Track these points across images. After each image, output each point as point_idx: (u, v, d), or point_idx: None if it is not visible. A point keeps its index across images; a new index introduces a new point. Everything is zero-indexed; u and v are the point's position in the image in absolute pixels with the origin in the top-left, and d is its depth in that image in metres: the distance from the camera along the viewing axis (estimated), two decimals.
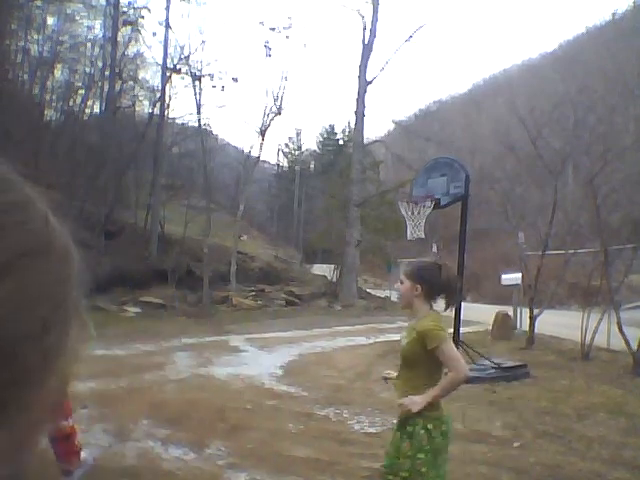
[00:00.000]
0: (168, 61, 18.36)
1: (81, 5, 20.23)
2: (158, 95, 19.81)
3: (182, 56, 17.09)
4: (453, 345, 2.20)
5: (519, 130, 11.89)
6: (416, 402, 2.08)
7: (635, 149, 12.42)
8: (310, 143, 60.03)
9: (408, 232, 6.98)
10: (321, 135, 56.67)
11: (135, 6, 18.84)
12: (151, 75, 37.92)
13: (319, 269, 30.10)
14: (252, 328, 11.37)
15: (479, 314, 13.88)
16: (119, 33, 19.54)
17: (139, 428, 4.12)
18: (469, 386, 6.01)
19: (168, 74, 18.49)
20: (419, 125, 46.43)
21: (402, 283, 2.23)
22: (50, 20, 21.33)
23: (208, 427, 4.24)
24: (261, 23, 20.21)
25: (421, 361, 2.15)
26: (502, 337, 10.14)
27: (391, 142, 31.22)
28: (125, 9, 19.03)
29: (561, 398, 5.46)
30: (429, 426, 2.10)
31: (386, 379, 2.38)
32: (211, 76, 16.79)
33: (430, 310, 2.20)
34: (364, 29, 20.01)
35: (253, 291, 18.24)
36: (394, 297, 21.78)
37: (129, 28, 19.28)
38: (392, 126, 47.15)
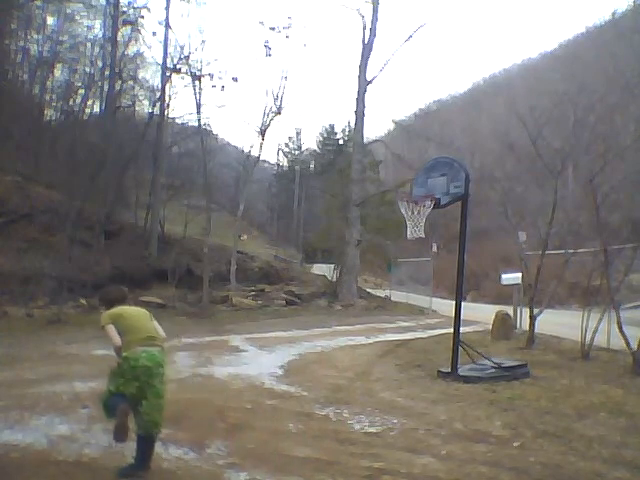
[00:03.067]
0: (168, 61, 18.39)
1: (81, 5, 20.27)
2: (158, 95, 19.84)
3: (182, 56, 17.10)
4: (110, 327, 3.30)
5: (519, 130, 11.89)
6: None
7: (635, 149, 12.41)
8: (310, 143, 60.13)
9: (408, 232, 6.97)
10: (321, 135, 56.72)
11: (135, 6, 18.90)
12: (151, 75, 38.01)
13: (319, 269, 30.13)
14: (252, 328, 11.37)
15: (479, 314, 13.89)
16: (119, 33, 19.56)
17: None
18: (469, 386, 6.02)
19: (168, 74, 18.50)
20: (419, 125, 46.42)
21: None
22: (50, 20, 21.41)
23: (208, 427, 4.24)
24: (261, 23, 20.28)
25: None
26: (502, 337, 10.14)
27: (391, 142, 31.19)
28: (125, 9, 19.07)
29: (561, 398, 5.46)
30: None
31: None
32: (211, 76, 16.78)
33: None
34: (364, 29, 19.99)
35: (253, 291, 18.24)
36: (394, 297, 21.80)
37: (129, 28, 19.30)
38: (392, 126, 47.23)
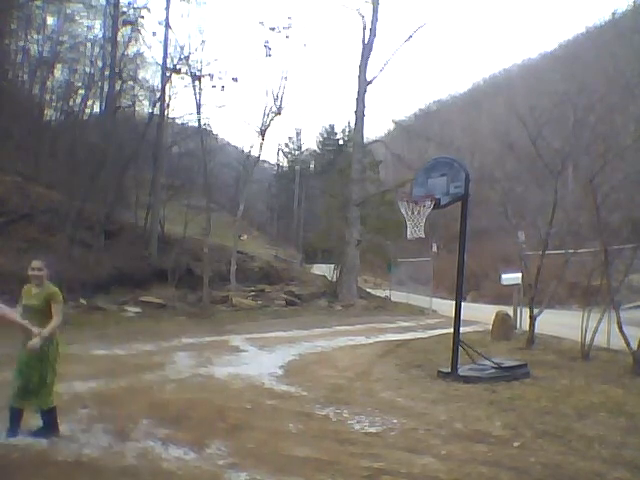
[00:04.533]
0: (168, 61, 18.38)
1: (81, 5, 20.22)
2: (158, 95, 19.81)
3: (182, 56, 17.08)
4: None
5: (519, 130, 11.87)
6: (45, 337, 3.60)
7: (635, 149, 12.39)
8: (310, 143, 60.09)
9: (408, 232, 6.97)
10: (321, 135, 56.70)
11: (135, 6, 18.85)
12: (151, 75, 38.00)
13: (319, 269, 30.12)
14: (252, 328, 11.37)
15: (479, 314, 13.88)
16: (119, 33, 19.51)
17: (139, 428, 4.11)
18: (469, 386, 6.02)
19: (168, 74, 18.49)
20: (419, 125, 46.41)
21: (41, 270, 3.82)
22: (50, 20, 21.36)
23: (208, 427, 4.24)
24: (261, 23, 20.24)
25: (48, 311, 3.67)
26: (502, 337, 10.14)
27: (391, 142, 31.21)
28: (125, 9, 19.02)
29: (561, 398, 5.46)
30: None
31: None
32: (211, 76, 16.77)
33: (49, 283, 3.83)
34: (364, 29, 20.02)
35: (253, 291, 18.23)
36: (394, 297, 21.81)
37: (129, 28, 19.27)
38: (392, 126, 47.18)
